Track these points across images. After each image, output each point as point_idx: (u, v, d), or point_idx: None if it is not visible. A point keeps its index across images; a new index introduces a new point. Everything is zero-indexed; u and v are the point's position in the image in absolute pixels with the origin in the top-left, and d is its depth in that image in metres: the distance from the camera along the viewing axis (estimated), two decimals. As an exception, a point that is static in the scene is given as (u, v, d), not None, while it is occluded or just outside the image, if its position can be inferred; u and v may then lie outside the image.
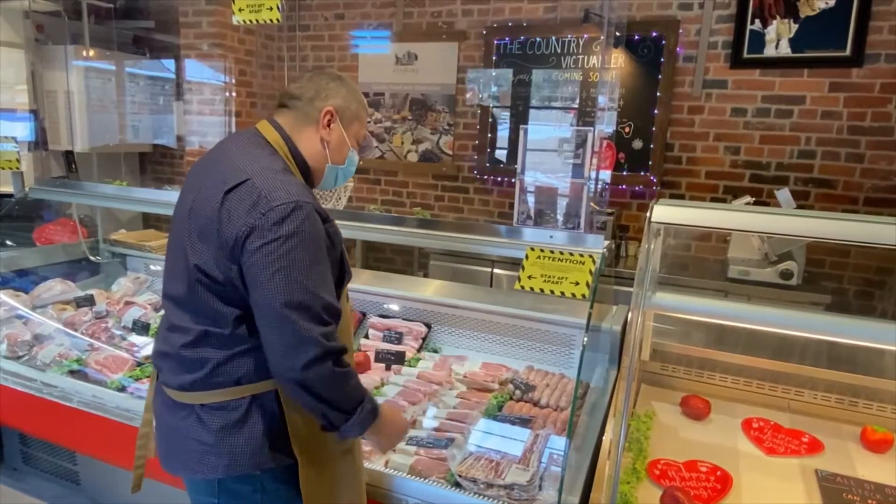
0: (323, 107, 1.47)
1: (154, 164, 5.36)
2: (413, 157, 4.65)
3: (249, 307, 1.34)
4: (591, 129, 3.28)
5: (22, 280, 3.11)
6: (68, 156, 4.60)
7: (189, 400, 1.41)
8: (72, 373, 2.41)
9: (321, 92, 1.48)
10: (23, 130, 4.18)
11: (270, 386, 1.39)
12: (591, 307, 1.78)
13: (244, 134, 1.49)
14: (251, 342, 1.37)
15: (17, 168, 3.12)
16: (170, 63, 4.92)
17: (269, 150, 1.44)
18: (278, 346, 1.28)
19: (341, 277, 1.45)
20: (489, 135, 4.34)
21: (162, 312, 1.94)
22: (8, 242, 3.25)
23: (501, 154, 4.34)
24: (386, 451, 1.62)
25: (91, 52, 4.48)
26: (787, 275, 3.11)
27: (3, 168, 3.11)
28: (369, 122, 4.71)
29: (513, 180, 4.09)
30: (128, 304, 2.86)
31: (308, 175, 1.50)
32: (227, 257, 1.32)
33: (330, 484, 1.49)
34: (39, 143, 4.08)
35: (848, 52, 3.41)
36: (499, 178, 4.38)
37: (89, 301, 2.92)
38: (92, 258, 3.46)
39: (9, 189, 3.22)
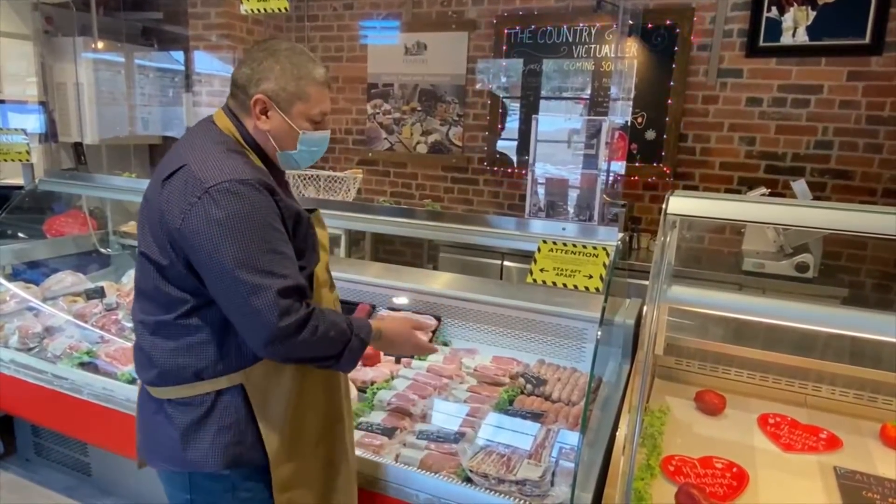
0: (254, 95, 1.36)
1: (163, 156, 5.36)
2: (422, 149, 4.62)
3: (201, 294, 1.32)
4: (604, 119, 3.23)
5: (32, 272, 3.13)
6: (78, 148, 4.61)
7: (158, 394, 1.40)
8: (82, 365, 2.41)
9: (253, 76, 1.36)
10: (33, 122, 4.18)
11: (236, 380, 1.36)
12: (606, 301, 1.75)
13: (199, 124, 1.46)
14: (207, 333, 1.34)
15: (27, 160, 3.12)
16: (179, 55, 4.90)
17: (217, 135, 1.39)
18: (241, 329, 1.29)
19: (299, 255, 1.38)
20: (499, 125, 4.30)
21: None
22: (19, 234, 3.26)
23: (512, 145, 4.29)
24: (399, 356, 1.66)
25: (100, 44, 4.47)
26: (803, 267, 3.06)
27: (13, 160, 3.11)
28: (377, 112, 4.68)
29: (523, 172, 4.05)
30: (137, 296, 2.86)
31: (265, 157, 1.43)
32: (171, 245, 1.30)
33: (307, 484, 1.45)
34: (49, 135, 4.08)
35: (867, 39, 3.33)
36: (509, 170, 4.34)
37: (99, 293, 2.92)
38: (102, 250, 3.47)
39: (19, 181, 3.23)
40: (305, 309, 1.29)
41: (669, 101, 3.79)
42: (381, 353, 2.38)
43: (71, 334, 2.60)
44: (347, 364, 1.39)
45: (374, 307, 2.67)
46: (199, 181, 1.26)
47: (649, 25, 3.75)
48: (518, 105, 4.22)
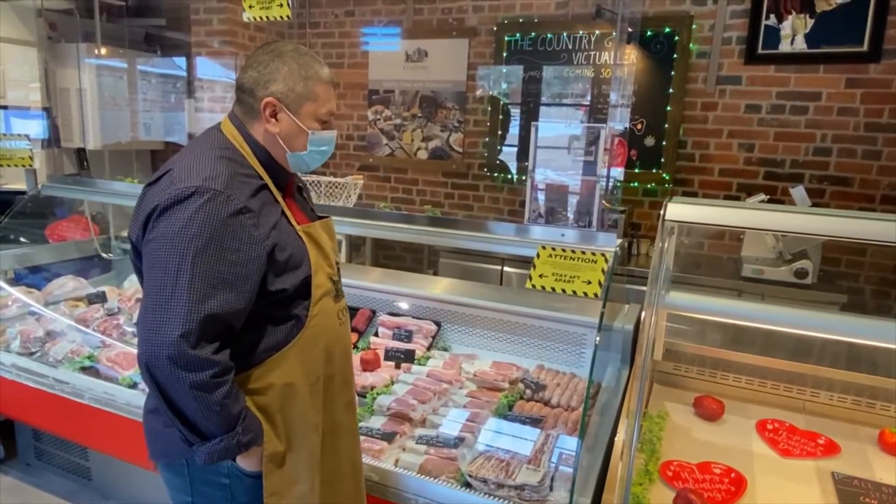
0: (263, 98, 1.35)
1: (165, 161, 5.38)
2: (423, 155, 4.64)
3: None
4: (604, 125, 3.25)
5: (35, 276, 3.14)
6: (80, 153, 4.62)
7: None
8: (83, 369, 2.43)
9: (261, 79, 1.36)
10: (36, 128, 4.19)
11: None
12: (604, 306, 1.76)
13: (205, 131, 1.46)
14: None
15: (30, 165, 3.14)
16: (181, 60, 4.93)
17: (216, 141, 1.38)
18: (140, 323, 1.24)
19: (281, 272, 1.34)
20: (500, 132, 4.32)
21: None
22: (21, 239, 3.27)
23: (512, 151, 4.31)
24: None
25: (103, 50, 4.50)
26: (801, 274, 3.07)
27: (16, 165, 3.13)
28: (378, 118, 4.70)
29: (523, 178, 4.06)
30: (139, 300, 2.87)
31: (272, 162, 1.42)
32: (140, 240, 1.31)
33: (296, 470, 1.40)
34: (52, 140, 4.09)
35: (865, 47, 3.35)
36: (508, 176, 4.35)
37: (101, 298, 2.93)
38: (104, 255, 3.48)
39: (22, 186, 3.25)
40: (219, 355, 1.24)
41: (669, 108, 3.81)
42: (382, 358, 2.39)
43: (72, 339, 2.61)
44: (205, 453, 1.26)
45: (374, 312, 2.68)
46: (172, 184, 1.27)
47: (649, 33, 3.77)
48: (518, 111, 4.24)
